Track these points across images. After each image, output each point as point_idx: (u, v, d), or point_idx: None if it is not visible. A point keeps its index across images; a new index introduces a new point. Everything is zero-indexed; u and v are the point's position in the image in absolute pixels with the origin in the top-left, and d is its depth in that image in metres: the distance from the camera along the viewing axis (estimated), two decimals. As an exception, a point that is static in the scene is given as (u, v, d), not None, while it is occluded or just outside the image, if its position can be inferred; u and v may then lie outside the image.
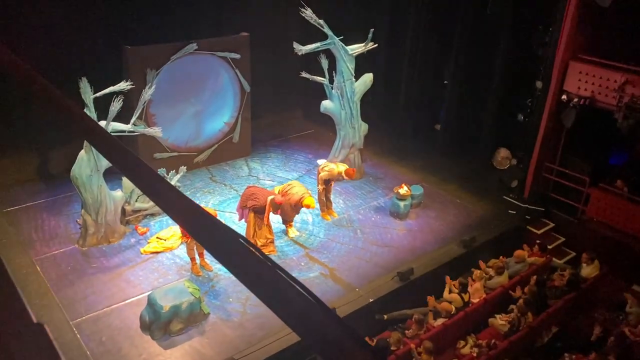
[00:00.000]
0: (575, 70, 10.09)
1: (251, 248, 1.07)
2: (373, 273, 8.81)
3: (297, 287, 1.02)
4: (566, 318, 8.40)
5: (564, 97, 10.19)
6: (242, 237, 1.12)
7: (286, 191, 9.20)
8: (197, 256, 8.46)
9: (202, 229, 1.13)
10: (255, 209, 8.92)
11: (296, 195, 9.09)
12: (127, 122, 8.82)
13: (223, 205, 10.44)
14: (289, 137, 13.61)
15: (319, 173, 10.12)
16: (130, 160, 1.28)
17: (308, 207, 9.16)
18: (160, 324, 7.21)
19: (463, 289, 8.49)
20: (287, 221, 9.60)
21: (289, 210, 9.33)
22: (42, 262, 8.49)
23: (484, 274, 8.68)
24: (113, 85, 8.54)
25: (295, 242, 9.48)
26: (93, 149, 8.44)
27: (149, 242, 9.09)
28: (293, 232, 9.65)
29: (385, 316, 8.08)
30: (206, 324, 7.57)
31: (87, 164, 8.53)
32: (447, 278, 8.55)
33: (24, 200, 10.03)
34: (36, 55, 9.39)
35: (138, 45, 10.13)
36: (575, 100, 9.99)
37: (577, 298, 8.43)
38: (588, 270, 8.95)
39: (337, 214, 10.34)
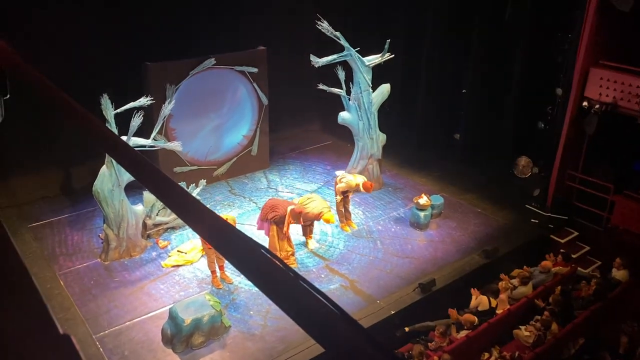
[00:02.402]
0: (596, 77, 9.95)
1: (273, 259, 1.06)
2: (394, 284, 8.73)
3: (321, 297, 1.01)
4: (594, 329, 8.20)
5: (585, 103, 10.05)
6: (264, 248, 1.11)
7: (305, 204, 9.18)
8: (217, 269, 8.49)
9: (224, 240, 1.13)
10: (276, 221, 8.93)
11: (315, 210, 9.04)
12: (147, 137, 8.94)
13: (242, 218, 10.47)
14: (307, 149, 13.64)
15: (336, 184, 10.10)
16: (153, 173, 1.30)
17: (327, 222, 9.13)
18: (181, 337, 7.22)
19: (492, 295, 8.36)
20: (306, 233, 9.58)
21: (307, 222, 9.31)
22: (66, 277, 8.60)
23: (509, 285, 8.54)
24: (133, 101, 8.68)
25: (315, 254, 9.45)
26: (114, 164, 8.57)
27: (169, 256, 9.16)
28: (312, 244, 9.62)
29: (407, 328, 7.98)
30: (227, 337, 7.56)
31: (109, 179, 8.65)
32: (473, 290, 8.41)
33: (48, 216, 10.20)
34: (57, 73, 9.59)
35: (158, 62, 10.29)
36: (597, 106, 9.84)
37: (604, 308, 8.24)
38: (620, 274, 8.80)
39: (356, 225, 10.29)
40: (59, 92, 1.56)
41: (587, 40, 9.86)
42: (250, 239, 1.15)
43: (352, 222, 10.32)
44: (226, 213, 8.47)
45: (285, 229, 8.90)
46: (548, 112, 11.17)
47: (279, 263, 1.04)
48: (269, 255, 1.07)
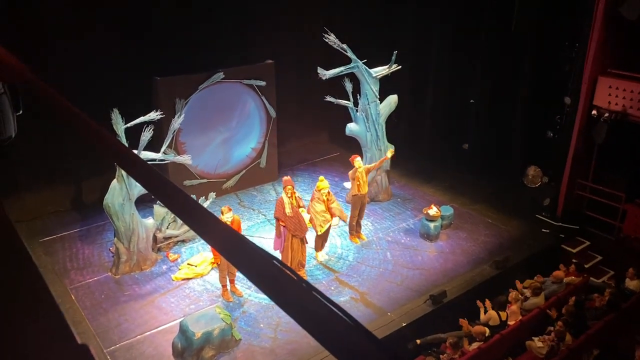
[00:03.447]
0: (604, 85, 9.93)
1: (285, 270, 1.07)
2: (405, 296, 8.68)
3: (334, 308, 1.01)
4: (608, 340, 8.09)
5: (594, 112, 10.02)
6: (276, 259, 1.12)
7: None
8: (227, 282, 8.48)
9: (236, 251, 1.14)
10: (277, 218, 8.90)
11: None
12: (157, 151, 9.01)
13: (252, 230, 10.49)
14: (315, 161, 13.67)
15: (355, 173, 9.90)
16: (167, 186, 1.31)
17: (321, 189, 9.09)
18: (192, 350, 7.21)
19: (501, 307, 8.28)
20: (318, 246, 9.56)
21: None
22: (77, 291, 8.64)
23: (519, 296, 8.46)
24: (144, 115, 8.76)
25: (325, 266, 9.43)
26: (125, 178, 8.63)
27: (180, 269, 9.17)
28: (322, 256, 9.60)
29: (419, 341, 7.92)
30: (238, 351, 7.54)
31: (119, 192, 8.71)
32: (479, 302, 8.35)
33: (59, 230, 10.27)
34: (68, 88, 9.70)
35: (167, 76, 10.40)
36: (606, 115, 9.81)
37: (619, 319, 8.13)
38: (633, 284, 8.70)
39: (365, 237, 10.27)
40: (72, 108, 1.59)
41: (595, 48, 9.85)
42: (262, 249, 1.15)
43: (362, 234, 10.29)
44: (232, 213, 8.43)
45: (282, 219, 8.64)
46: (557, 121, 11.13)
47: (291, 274, 1.05)
48: (281, 266, 1.07)
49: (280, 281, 1.01)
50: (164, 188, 1.34)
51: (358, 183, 9.87)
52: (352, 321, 1.00)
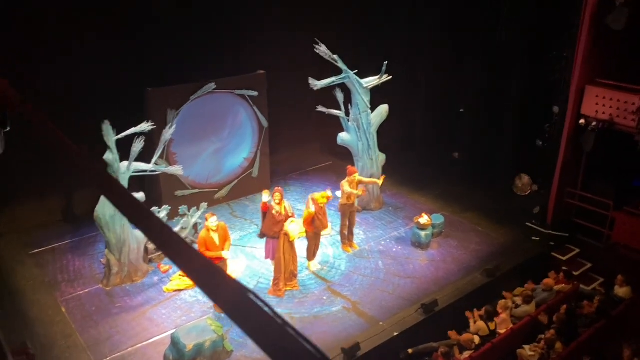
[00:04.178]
0: (592, 94, 10.05)
1: (260, 303, 1.09)
2: (396, 306, 8.71)
3: (309, 346, 1.03)
4: (598, 347, 8.14)
5: (582, 121, 10.13)
6: (251, 291, 1.15)
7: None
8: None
9: (211, 283, 1.16)
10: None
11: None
12: (148, 162, 9.01)
13: (244, 240, 10.49)
14: (308, 170, 13.71)
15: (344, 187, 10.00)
16: (145, 215, 1.34)
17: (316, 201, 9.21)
18: (184, 363, 7.19)
19: (489, 317, 8.31)
20: (310, 255, 9.58)
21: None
22: (68, 303, 8.59)
23: (509, 304, 8.51)
24: (135, 126, 8.77)
25: (317, 276, 9.45)
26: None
27: (171, 280, 9.15)
28: (314, 266, 9.63)
29: (411, 350, 7.94)
30: (230, 362, 7.53)
31: (110, 204, 8.68)
32: (468, 314, 8.36)
33: (50, 242, 10.22)
34: (59, 100, 9.73)
35: (158, 87, 10.42)
36: (594, 123, 9.92)
37: (609, 326, 8.19)
38: (622, 291, 8.77)
39: (357, 246, 10.30)
40: (53, 132, 1.61)
41: (582, 58, 9.98)
42: (238, 282, 1.18)
43: (354, 243, 10.32)
44: (216, 218, 8.45)
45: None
46: (546, 130, 11.24)
47: (267, 309, 1.08)
48: (256, 299, 1.10)
49: (254, 315, 1.03)
50: (137, 210, 1.36)
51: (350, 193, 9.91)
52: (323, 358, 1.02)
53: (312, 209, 9.23)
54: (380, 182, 10.54)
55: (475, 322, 8.23)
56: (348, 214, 10.07)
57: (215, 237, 8.29)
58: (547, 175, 11.03)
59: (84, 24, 9.76)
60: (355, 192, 9.90)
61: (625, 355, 7.62)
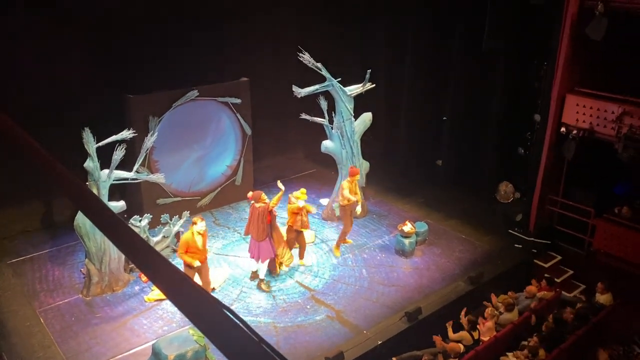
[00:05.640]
0: (572, 103, 10.18)
1: (236, 320, 1.06)
2: (380, 314, 8.68)
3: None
4: (581, 354, 8.19)
5: (562, 129, 10.25)
6: (226, 307, 1.11)
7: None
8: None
9: (186, 299, 1.13)
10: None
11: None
12: (130, 170, 8.89)
13: (227, 249, 10.40)
14: (291, 178, 13.65)
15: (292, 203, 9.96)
16: (117, 225, 1.29)
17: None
18: (165, 374, 7.07)
19: (472, 326, 8.32)
20: (301, 253, 9.79)
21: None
22: (46, 314, 8.41)
23: (495, 312, 8.53)
24: (116, 134, 8.66)
25: (301, 284, 9.39)
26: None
27: (152, 289, 9.02)
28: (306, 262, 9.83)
29: (395, 359, 7.90)
30: (212, 373, 7.42)
31: (91, 212, 8.55)
32: (448, 325, 8.33)
33: (29, 251, 10.03)
34: (39, 107, 9.58)
35: (140, 94, 10.31)
36: (575, 132, 10.04)
37: (590, 333, 8.25)
38: (603, 298, 8.86)
39: (340, 253, 10.29)
40: (26, 140, 1.56)
41: (562, 67, 10.12)
42: (213, 297, 1.14)
43: (348, 239, 10.56)
44: (205, 223, 8.39)
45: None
46: (528, 138, 11.36)
47: (240, 324, 1.04)
48: (231, 315, 1.06)
49: (228, 331, 1.00)
50: (109, 220, 1.32)
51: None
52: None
53: (300, 203, 9.44)
54: (358, 203, 10.46)
55: (455, 332, 8.21)
56: (349, 212, 10.16)
57: (199, 240, 8.22)
58: (529, 183, 11.14)
59: (65, 30, 9.64)
60: (353, 198, 9.96)
61: (602, 357, 7.68)
